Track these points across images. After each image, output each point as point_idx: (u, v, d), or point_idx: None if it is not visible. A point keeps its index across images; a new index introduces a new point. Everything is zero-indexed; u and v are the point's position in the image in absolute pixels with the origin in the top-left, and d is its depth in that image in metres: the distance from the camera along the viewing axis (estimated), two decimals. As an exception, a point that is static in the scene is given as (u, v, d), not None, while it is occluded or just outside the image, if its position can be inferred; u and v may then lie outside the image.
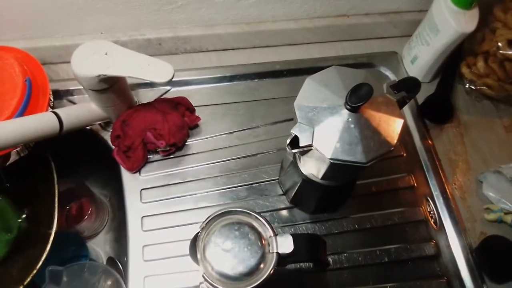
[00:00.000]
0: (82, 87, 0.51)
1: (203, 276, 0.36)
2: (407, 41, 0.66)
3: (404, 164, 0.58)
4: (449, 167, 0.58)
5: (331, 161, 0.37)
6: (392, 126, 0.38)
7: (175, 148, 0.56)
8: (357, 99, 0.36)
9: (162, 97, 0.60)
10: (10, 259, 0.51)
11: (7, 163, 0.51)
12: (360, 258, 0.52)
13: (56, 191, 0.52)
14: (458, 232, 0.53)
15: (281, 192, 0.55)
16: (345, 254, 0.52)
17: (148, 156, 0.56)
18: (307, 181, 0.46)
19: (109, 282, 0.54)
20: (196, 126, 0.59)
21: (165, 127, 0.53)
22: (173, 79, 0.60)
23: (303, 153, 0.40)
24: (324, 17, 0.66)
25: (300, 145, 0.37)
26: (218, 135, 0.59)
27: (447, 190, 0.56)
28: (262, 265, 0.36)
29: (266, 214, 0.54)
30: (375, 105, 0.39)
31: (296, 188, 0.50)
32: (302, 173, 0.46)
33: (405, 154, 0.59)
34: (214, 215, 0.38)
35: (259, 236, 0.37)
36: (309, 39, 0.67)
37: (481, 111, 0.63)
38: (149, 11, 0.59)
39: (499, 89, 0.60)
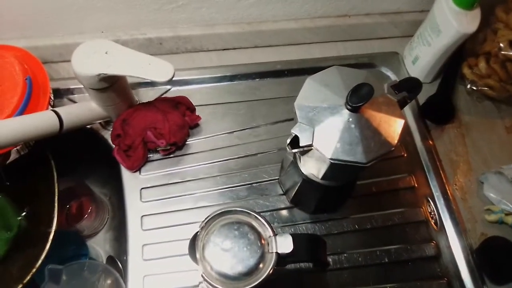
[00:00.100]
0: (82, 86, 0.51)
1: (202, 275, 0.36)
2: (408, 41, 0.66)
3: (404, 165, 0.58)
4: (450, 168, 0.58)
5: (331, 161, 0.37)
6: (392, 127, 0.38)
7: (176, 147, 0.56)
8: (358, 99, 0.36)
9: (162, 96, 0.60)
10: (10, 257, 0.51)
11: (7, 162, 0.51)
12: (360, 259, 0.51)
13: (56, 190, 0.52)
14: (458, 233, 0.53)
15: (281, 192, 0.55)
16: (345, 255, 0.52)
17: (148, 155, 0.56)
18: (307, 181, 0.46)
19: (108, 281, 0.54)
20: (197, 125, 0.59)
21: (165, 126, 0.53)
22: (173, 79, 0.60)
23: (303, 153, 0.40)
24: (325, 17, 0.65)
25: (300, 145, 0.37)
26: (219, 135, 0.59)
27: (448, 191, 0.56)
28: (261, 265, 0.36)
29: (266, 214, 0.54)
30: (376, 105, 0.38)
31: (296, 188, 0.49)
32: (302, 173, 0.46)
33: (405, 155, 0.58)
34: (213, 215, 0.38)
35: (259, 236, 0.37)
36: (310, 39, 0.67)
37: (482, 112, 0.63)
38: (150, 10, 0.59)
39: (501, 90, 0.60)
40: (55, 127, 0.47)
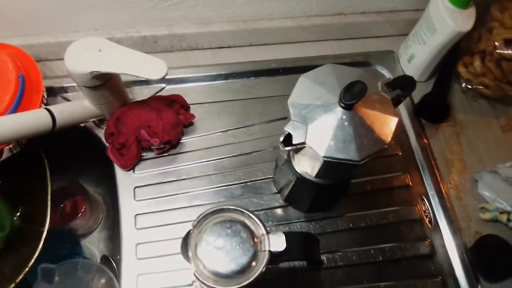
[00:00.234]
0: (76, 84, 0.50)
1: (194, 274, 0.36)
2: (404, 40, 0.65)
3: (399, 163, 0.58)
4: (445, 166, 0.58)
5: (325, 159, 0.37)
6: (386, 124, 0.38)
7: (170, 146, 0.56)
8: (351, 97, 0.36)
9: (157, 94, 0.60)
10: (2, 257, 0.50)
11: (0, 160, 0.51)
12: (354, 257, 0.51)
13: (49, 189, 0.51)
14: (453, 231, 0.53)
15: (275, 191, 0.55)
16: (339, 253, 0.51)
17: (142, 154, 0.56)
18: (301, 180, 0.46)
19: (103, 281, 0.54)
20: (191, 124, 0.59)
21: (159, 124, 0.53)
22: (168, 77, 0.60)
23: (297, 151, 0.40)
24: (321, 16, 0.65)
25: (293, 142, 0.37)
26: (213, 133, 0.59)
27: (442, 189, 0.56)
28: (254, 263, 0.36)
29: (260, 212, 0.53)
30: (370, 103, 0.38)
31: (291, 186, 0.49)
32: (296, 171, 0.46)
33: (400, 153, 0.58)
34: (206, 213, 0.38)
35: (252, 234, 0.37)
36: (305, 38, 0.67)
37: (477, 111, 0.63)
38: (145, 8, 0.59)
39: (496, 89, 0.60)
40: (48, 125, 0.47)
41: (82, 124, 0.57)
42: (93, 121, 0.57)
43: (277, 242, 0.37)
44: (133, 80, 0.60)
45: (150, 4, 0.58)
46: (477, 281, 0.51)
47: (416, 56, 0.62)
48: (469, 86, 0.62)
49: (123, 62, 0.46)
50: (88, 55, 0.46)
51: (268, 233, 0.37)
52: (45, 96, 0.54)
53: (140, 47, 0.63)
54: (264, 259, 0.36)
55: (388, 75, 0.65)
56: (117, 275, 0.51)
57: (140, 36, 0.62)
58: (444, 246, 0.53)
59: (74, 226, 0.62)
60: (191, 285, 0.48)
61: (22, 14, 0.57)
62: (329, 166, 0.40)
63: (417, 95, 0.62)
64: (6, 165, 0.50)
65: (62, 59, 0.47)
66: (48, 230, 0.49)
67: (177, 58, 0.64)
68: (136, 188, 0.54)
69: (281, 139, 0.38)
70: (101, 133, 0.57)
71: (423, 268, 0.52)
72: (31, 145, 0.51)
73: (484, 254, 0.51)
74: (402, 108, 0.62)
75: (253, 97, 0.62)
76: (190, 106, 0.59)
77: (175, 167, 0.56)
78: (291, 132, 0.37)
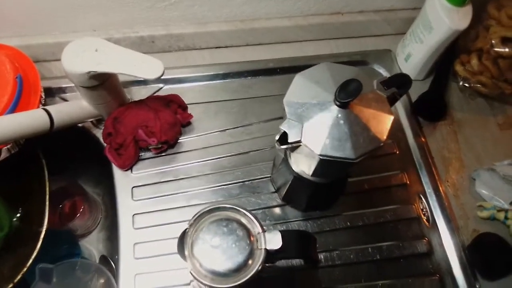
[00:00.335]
0: (74, 85, 0.50)
1: (190, 272, 0.36)
2: (401, 39, 0.66)
3: (397, 162, 0.58)
4: (442, 165, 0.58)
5: (320, 157, 0.37)
6: (382, 122, 0.38)
7: (167, 145, 0.56)
8: (346, 95, 0.36)
9: (154, 94, 0.60)
10: (1, 257, 0.51)
11: (-2, 161, 0.51)
12: (352, 256, 0.51)
13: (47, 189, 0.51)
14: (450, 230, 0.53)
15: (273, 190, 0.55)
16: (337, 252, 0.52)
17: (140, 154, 0.56)
18: (298, 178, 0.46)
19: (101, 281, 0.54)
20: (189, 123, 0.59)
21: (156, 124, 0.53)
22: (166, 77, 0.61)
23: (293, 149, 0.40)
24: (318, 15, 0.65)
25: (289, 141, 0.37)
26: (211, 133, 0.59)
27: (440, 188, 0.56)
28: (250, 261, 0.36)
29: (258, 211, 0.54)
30: (365, 101, 0.38)
31: (288, 185, 0.49)
32: (293, 170, 0.46)
33: (398, 152, 0.58)
34: (202, 212, 0.38)
35: (248, 232, 0.37)
36: (302, 37, 0.67)
37: (475, 109, 0.63)
38: (142, 8, 0.59)
39: (493, 87, 0.60)
40: (46, 125, 0.47)
41: (80, 124, 0.57)
42: (91, 121, 0.57)
43: (273, 240, 0.37)
44: (131, 80, 0.60)
45: (148, 4, 0.58)
46: (474, 279, 0.51)
47: (413, 55, 0.62)
48: (467, 85, 0.62)
49: (119, 62, 0.46)
50: (85, 55, 0.46)
51: (264, 231, 0.37)
52: (43, 97, 0.54)
53: (138, 47, 0.63)
54: (260, 257, 0.36)
55: (385, 74, 0.65)
56: (116, 275, 0.51)
57: (138, 36, 0.62)
58: (441, 244, 0.53)
59: (73, 226, 0.62)
60: (189, 284, 0.48)
61: (20, 15, 0.57)
62: (325, 165, 0.40)
63: (415, 93, 0.62)
64: (4, 165, 0.51)
65: (60, 59, 0.48)
66: (46, 230, 0.49)
67: (174, 58, 0.65)
68: (134, 188, 0.55)
69: (277, 137, 0.38)
70: (99, 133, 0.57)
71: (420, 267, 0.52)
72: (29, 145, 0.52)
73: (481, 252, 0.51)
74: (399, 106, 0.62)
75: (251, 96, 0.62)
76: (188, 106, 0.59)
77: (173, 166, 0.56)
78: (286, 131, 0.37)
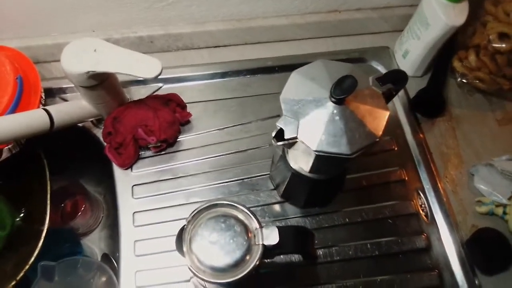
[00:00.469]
0: (74, 85, 0.51)
1: (189, 268, 0.36)
2: (399, 36, 0.66)
3: (395, 158, 0.58)
4: (441, 161, 0.58)
5: (316, 153, 0.37)
6: (377, 118, 0.38)
7: (166, 144, 0.57)
8: (341, 91, 0.36)
9: (154, 94, 0.61)
10: (3, 255, 0.51)
11: (-1, 160, 0.51)
12: (351, 252, 0.52)
13: (49, 188, 0.52)
14: (449, 225, 0.53)
15: (272, 187, 0.55)
16: (336, 248, 0.52)
17: (140, 153, 0.57)
18: (296, 175, 0.47)
19: (103, 279, 0.55)
20: (188, 122, 0.59)
21: (155, 123, 0.54)
22: (165, 76, 0.61)
23: (290, 146, 0.41)
24: (316, 13, 0.66)
25: (285, 137, 0.37)
26: (210, 131, 0.59)
27: (439, 184, 0.56)
28: (248, 257, 0.37)
29: (257, 208, 0.54)
30: (361, 98, 0.39)
31: (286, 182, 0.50)
32: (291, 167, 0.46)
33: (396, 148, 0.59)
34: (200, 208, 0.39)
35: (245, 228, 0.38)
36: (300, 35, 0.67)
37: (473, 105, 0.63)
38: (140, 8, 0.60)
39: (491, 82, 0.60)
40: (46, 125, 0.48)
41: (80, 124, 0.57)
42: (91, 121, 0.58)
43: (271, 236, 0.37)
44: (131, 80, 0.61)
45: (145, 5, 0.59)
46: (473, 274, 0.51)
47: (411, 52, 0.62)
48: (465, 81, 0.62)
49: (118, 61, 0.46)
50: (83, 56, 0.47)
51: (261, 227, 0.38)
52: (43, 97, 0.55)
53: (137, 48, 0.64)
54: (257, 252, 0.37)
55: (383, 71, 0.65)
56: (116, 272, 0.51)
57: (137, 37, 0.63)
58: (440, 239, 0.53)
59: (75, 225, 0.62)
60: (189, 281, 0.49)
61: (20, 15, 0.58)
62: (322, 161, 0.40)
63: (413, 90, 0.62)
64: (6, 165, 0.51)
65: (59, 60, 0.48)
66: (48, 229, 0.50)
67: (173, 57, 0.65)
68: (134, 186, 0.55)
69: (274, 134, 0.38)
70: (99, 132, 0.57)
71: (419, 262, 0.52)
72: (30, 145, 0.52)
73: (480, 247, 0.52)
74: (397, 103, 0.62)
75: (249, 95, 0.62)
76: (187, 104, 0.59)
77: (172, 165, 0.56)
78: (282, 127, 0.37)
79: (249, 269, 0.36)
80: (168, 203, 0.54)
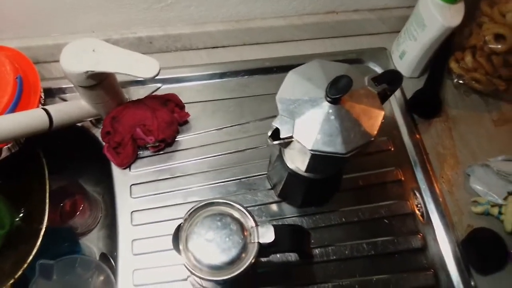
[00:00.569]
0: (73, 85, 0.51)
1: (185, 265, 0.37)
2: (396, 37, 0.66)
3: (392, 158, 0.58)
4: (437, 161, 0.58)
5: (312, 152, 0.37)
6: (372, 118, 0.39)
7: (165, 144, 0.57)
8: (336, 91, 0.37)
9: (152, 94, 0.61)
10: (2, 254, 0.52)
11: (-1, 160, 0.52)
12: (347, 251, 0.52)
13: (47, 187, 0.52)
14: (445, 225, 0.54)
15: (269, 187, 0.56)
16: (332, 247, 0.52)
17: (138, 152, 0.57)
18: (293, 175, 0.47)
19: (101, 278, 0.55)
20: (186, 122, 0.60)
21: (154, 123, 0.54)
22: (164, 77, 0.62)
23: (286, 145, 0.41)
24: (313, 14, 0.66)
25: (281, 137, 0.38)
26: (208, 131, 0.60)
27: (435, 184, 0.56)
28: (243, 255, 0.37)
29: (254, 208, 0.54)
30: (356, 97, 0.39)
31: (283, 182, 0.50)
32: (288, 167, 0.46)
33: (393, 149, 0.59)
34: (196, 207, 0.39)
35: (241, 226, 0.38)
36: (298, 36, 0.68)
37: (469, 105, 0.63)
38: (139, 9, 0.60)
39: (487, 83, 0.61)
40: (45, 124, 0.48)
41: (79, 124, 0.58)
42: (90, 121, 0.58)
43: (266, 234, 0.38)
44: (130, 80, 0.61)
45: (145, 6, 0.59)
46: (469, 274, 0.51)
47: (408, 52, 0.63)
48: (461, 81, 0.62)
49: (116, 61, 0.47)
50: (82, 56, 0.47)
51: (257, 225, 0.38)
52: (43, 97, 0.56)
53: (136, 48, 0.64)
54: (253, 251, 0.37)
55: (380, 72, 0.65)
56: (114, 271, 0.52)
57: (136, 37, 0.63)
58: (436, 239, 0.53)
59: (73, 224, 0.63)
60: (186, 279, 0.49)
61: (20, 16, 0.58)
62: (317, 160, 0.41)
63: (410, 91, 0.63)
64: (5, 164, 0.52)
65: (59, 61, 0.49)
66: (46, 228, 0.50)
67: (172, 58, 0.66)
68: (132, 186, 0.55)
69: (269, 133, 0.39)
70: (97, 132, 0.58)
71: (415, 262, 0.52)
72: (29, 145, 0.53)
73: (476, 247, 0.52)
74: (394, 104, 0.62)
75: (247, 95, 0.63)
76: (186, 105, 0.60)
77: (170, 164, 0.57)
78: (278, 127, 0.38)
79: (244, 266, 0.36)
80: (166, 203, 0.54)
